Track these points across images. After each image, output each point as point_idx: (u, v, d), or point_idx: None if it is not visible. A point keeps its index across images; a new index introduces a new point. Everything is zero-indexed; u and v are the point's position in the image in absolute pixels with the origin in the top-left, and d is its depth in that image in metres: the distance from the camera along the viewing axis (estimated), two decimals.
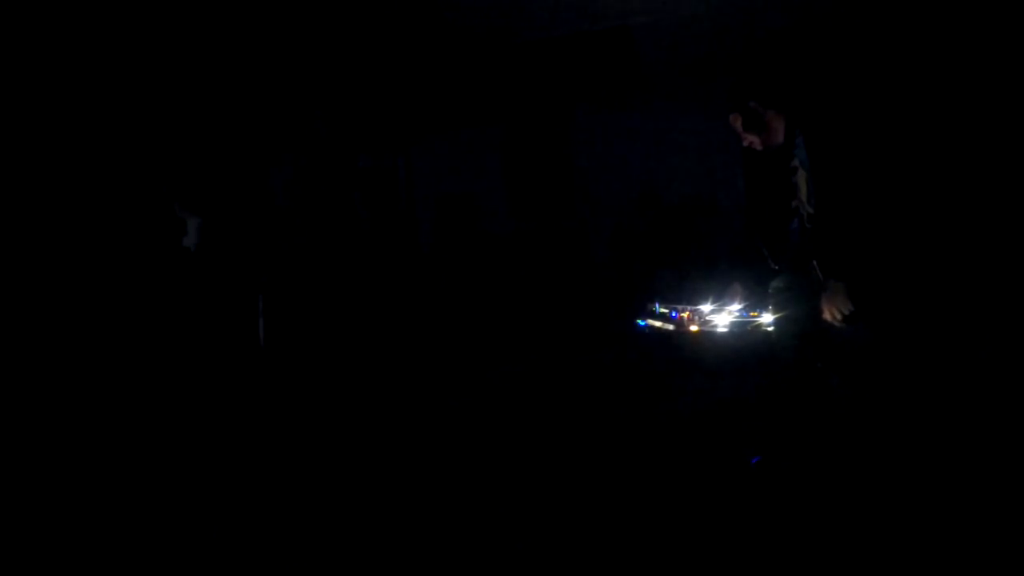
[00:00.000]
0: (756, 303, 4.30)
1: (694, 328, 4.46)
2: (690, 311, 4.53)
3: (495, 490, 2.46)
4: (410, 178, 7.17)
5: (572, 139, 7.47)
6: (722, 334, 4.37)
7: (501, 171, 7.56)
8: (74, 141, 3.74)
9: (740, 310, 4.38)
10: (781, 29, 5.08)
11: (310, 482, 2.61)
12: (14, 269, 3.46)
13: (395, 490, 2.50)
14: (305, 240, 4.13)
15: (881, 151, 2.68)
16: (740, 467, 2.59)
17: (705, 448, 2.89)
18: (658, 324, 4.76)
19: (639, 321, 5.05)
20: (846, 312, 2.48)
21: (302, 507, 2.35)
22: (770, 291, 3.09)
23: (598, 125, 7.35)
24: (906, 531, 2.00)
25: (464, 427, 3.34)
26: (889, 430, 2.66)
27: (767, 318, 4.15)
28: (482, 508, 2.30)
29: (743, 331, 4.30)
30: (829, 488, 2.32)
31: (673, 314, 4.64)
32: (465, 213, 6.86)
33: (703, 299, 4.52)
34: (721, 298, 4.46)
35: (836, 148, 2.54)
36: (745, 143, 2.89)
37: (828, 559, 1.89)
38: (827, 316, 2.57)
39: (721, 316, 4.42)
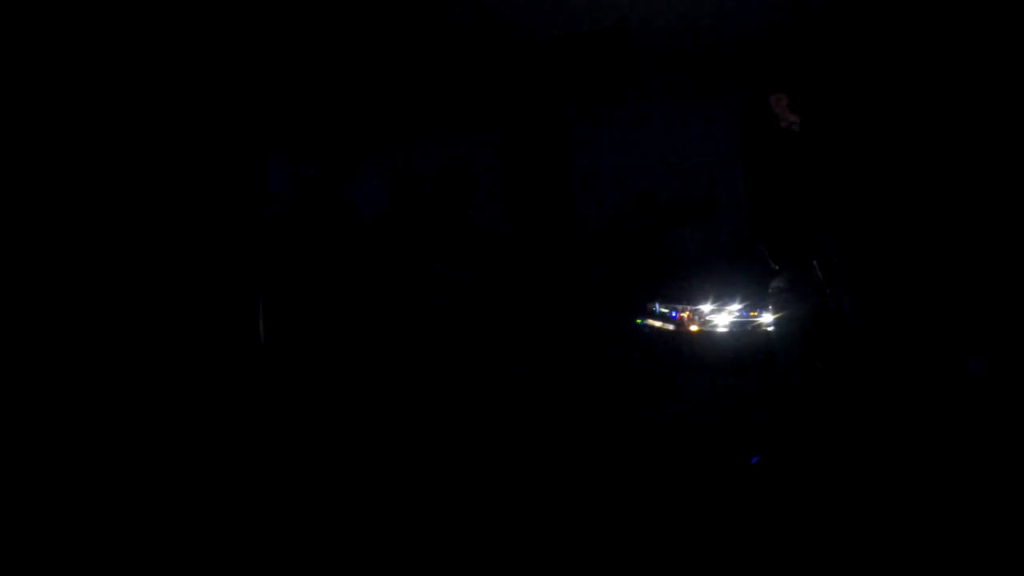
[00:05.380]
0: (756, 303, 4.31)
1: (694, 328, 4.47)
2: (690, 311, 4.54)
3: (496, 491, 2.46)
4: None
5: (571, 139, 7.48)
6: (722, 334, 4.38)
7: (502, 171, 7.57)
8: (73, 142, 3.74)
9: (740, 310, 4.39)
10: (781, 28, 5.09)
11: (310, 482, 2.61)
12: (14, 271, 3.46)
13: (394, 492, 2.50)
14: (305, 240, 4.13)
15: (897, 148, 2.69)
16: (740, 467, 2.59)
17: (705, 447, 2.89)
18: (658, 324, 4.77)
19: (639, 321, 5.06)
20: None
21: (302, 506, 2.35)
22: (770, 291, 3.09)
23: (597, 124, 7.36)
24: (905, 530, 2.01)
25: (464, 428, 3.34)
26: (888, 429, 2.66)
27: (767, 318, 4.16)
28: (483, 508, 2.30)
29: (743, 331, 4.31)
30: (829, 488, 2.32)
31: (673, 314, 4.65)
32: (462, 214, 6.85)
33: (703, 299, 4.52)
34: (721, 298, 4.47)
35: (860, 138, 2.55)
36: (784, 124, 2.85)
37: (827, 558, 1.89)
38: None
39: (721, 316, 4.43)
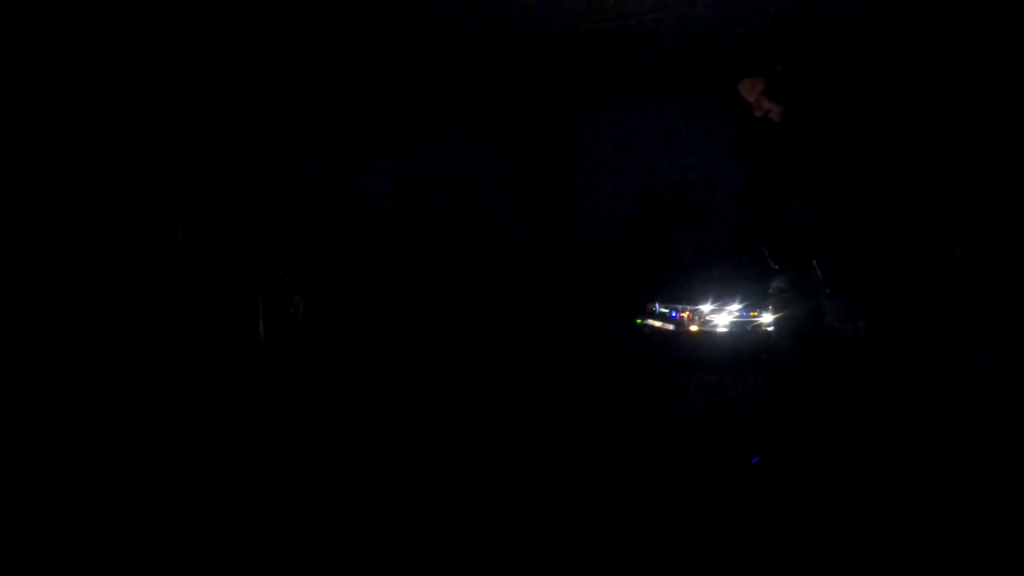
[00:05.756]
0: (756, 303, 4.31)
1: (694, 328, 4.47)
2: (690, 311, 4.55)
3: (495, 490, 2.47)
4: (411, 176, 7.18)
5: (572, 139, 7.49)
6: (722, 334, 4.39)
7: (502, 171, 7.58)
8: (73, 141, 3.74)
9: (740, 310, 4.39)
10: (780, 29, 5.08)
11: (310, 482, 2.61)
12: (15, 270, 3.46)
13: (393, 492, 2.50)
14: (307, 238, 4.13)
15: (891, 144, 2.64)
16: (740, 467, 2.60)
17: (705, 447, 2.89)
18: (658, 324, 4.78)
19: (639, 321, 5.06)
20: None
21: (302, 507, 2.36)
22: (770, 291, 3.08)
23: (598, 124, 7.37)
24: (906, 531, 2.01)
25: (463, 427, 3.34)
26: (889, 429, 2.66)
27: (767, 318, 4.16)
28: (482, 507, 2.30)
29: (743, 331, 4.32)
30: (829, 488, 2.32)
31: (673, 314, 4.66)
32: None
33: (703, 299, 4.53)
34: (721, 298, 4.47)
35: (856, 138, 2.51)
36: (759, 113, 2.73)
37: (828, 559, 1.89)
38: None
39: (721, 316, 4.44)
